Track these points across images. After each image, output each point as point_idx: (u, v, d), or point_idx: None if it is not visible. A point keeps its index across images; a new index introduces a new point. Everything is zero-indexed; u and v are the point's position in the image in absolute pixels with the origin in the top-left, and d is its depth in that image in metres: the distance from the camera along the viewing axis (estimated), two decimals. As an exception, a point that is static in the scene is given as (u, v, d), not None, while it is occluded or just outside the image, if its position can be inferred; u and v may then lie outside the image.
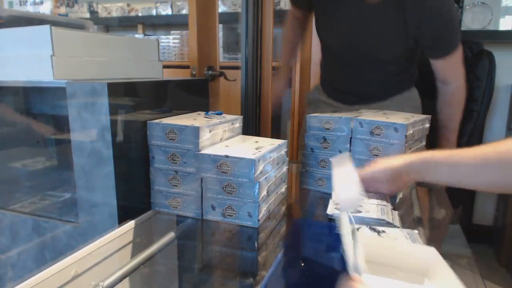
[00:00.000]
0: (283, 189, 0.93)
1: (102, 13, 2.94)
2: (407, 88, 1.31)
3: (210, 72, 1.58)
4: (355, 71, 1.27)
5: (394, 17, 1.13)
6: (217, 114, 0.93)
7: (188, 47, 1.54)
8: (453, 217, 0.94)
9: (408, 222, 0.80)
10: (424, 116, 0.99)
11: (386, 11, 1.13)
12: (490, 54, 1.59)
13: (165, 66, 1.14)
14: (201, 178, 0.79)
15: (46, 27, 0.79)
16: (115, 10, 2.89)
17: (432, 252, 0.55)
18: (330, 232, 0.74)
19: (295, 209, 0.97)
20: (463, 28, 1.98)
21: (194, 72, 1.49)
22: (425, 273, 0.56)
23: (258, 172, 0.75)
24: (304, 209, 0.97)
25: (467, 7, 1.95)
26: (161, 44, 2.60)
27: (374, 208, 0.79)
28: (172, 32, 2.63)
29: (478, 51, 1.59)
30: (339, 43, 1.26)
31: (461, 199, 1.37)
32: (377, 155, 0.89)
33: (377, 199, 0.81)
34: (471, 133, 1.64)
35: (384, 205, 0.80)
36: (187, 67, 1.43)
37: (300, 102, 1.92)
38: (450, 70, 1.21)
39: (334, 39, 1.28)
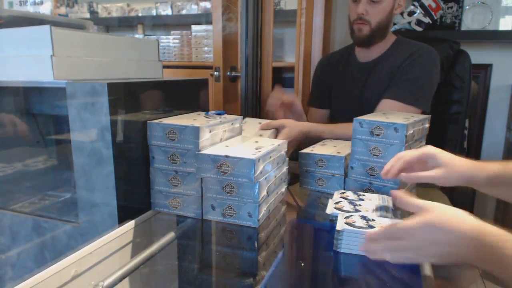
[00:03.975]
0: (283, 189, 0.93)
1: (102, 13, 2.94)
2: None
3: (233, 73, 1.57)
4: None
5: (386, 70, 1.28)
6: (218, 114, 0.93)
7: (213, 47, 1.51)
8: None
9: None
10: (424, 116, 0.99)
11: (380, 67, 1.30)
12: (467, 54, 1.53)
13: (165, 66, 1.14)
14: (201, 178, 0.79)
15: (46, 27, 0.79)
16: (115, 10, 2.90)
17: None
18: (329, 232, 0.74)
19: (295, 209, 0.97)
20: (463, 28, 1.98)
21: (217, 73, 1.48)
22: None
23: (258, 172, 0.75)
24: (304, 209, 0.97)
25: (467, 7, 1.95)
26: (161, 44, 2.60)
27: (373, 207, 0.79)
28: (172, 32, 2.63)
29: (458, 50, 1.53)
30: (350, 105, 1.37)
31: (461, 199, 1.37)
32: (377, 155, 0.89)
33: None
34: (460, 137, 1.58)
35: (385, 205, 0.81)
36: (190, 67, 1.42)
37: (303, 102, 1.92)
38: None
39: (347, 102, 1.39)
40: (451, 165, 0.67)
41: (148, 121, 0.82)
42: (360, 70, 1.35)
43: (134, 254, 0.72)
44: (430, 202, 0.55)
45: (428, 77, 1.23)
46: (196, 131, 0.78)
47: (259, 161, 0.74)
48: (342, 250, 0.67)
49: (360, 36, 1.26)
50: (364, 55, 1.35)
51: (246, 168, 0.73)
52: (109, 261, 0.71)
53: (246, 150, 0.78)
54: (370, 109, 1.21)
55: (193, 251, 0.77)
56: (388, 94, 1.21)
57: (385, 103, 1.21)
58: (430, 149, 0.70)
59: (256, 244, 0.75)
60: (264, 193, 0.79)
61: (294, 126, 1.11)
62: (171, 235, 0.76)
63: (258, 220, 0.77)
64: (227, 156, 0.75)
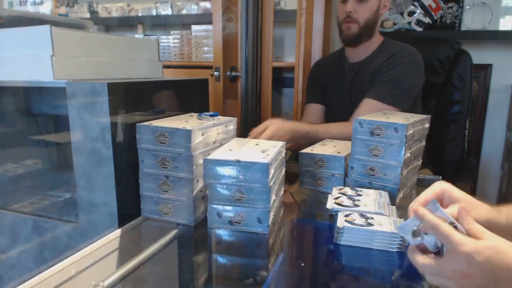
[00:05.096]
0: (281, 191, 0.92)
1: (102, 13, 2.93)
2: None
3: (233, 73, 1.57)
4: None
5: (370, 71, 1.31)
6: (212, 115, 0.89)
7: (213, 47, 1.51)
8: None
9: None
10: (424, 116, 0.99)
11: (366, 68, 1.32)
12: (468, 54, 1.53)
13: (165, 66, 1.14)
14: (207, 185, 0.75)
15: (46, 27, 0.79)
16: (115, 10, 2.89)
17: None
18: (330, 232, 0.75)
19: (296, 210, 0.97)
20: (463, 28, 1.98)
21: (217, 74, 1.47)
22: None
23: (271, 176, 0.72)
24: (304, 210, 0.97)
25: (467, 7, 1.95)
26: (161, 44, 2.60)
27: (371, 202, 0.81)
28: (172, 32, 2.62)
29: (458, 50, 1.53)
30: (342, 102, 1.39)
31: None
32: (377, 156, 0.89)
33: None
34: (461, 137, 1.58)
35: (382, 200, 0.82)
36: (190, 67, 1.42)
37: (303, 101, 1.92)
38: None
39: (338, 101, 1.41)
40: (469, 203, 0.56)
41: (137, 123, 0.78)
42: (349, 70, 1.39)
43: (134, 254, 0.72)
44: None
45: (408, 78, 1.26)
46: (187, 134, 0.74)
47: (271, 164, 0.72)
48: (342, 243, 0.70)
49: (349, 34, 1.29)
50: (353, 55, 1.38)
51: (260, 173, 0.70)
52: (109, 261, 0.71)
53: (253, 154, 0.75)
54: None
55: (193, 252, 0.77)
56: (369, 94, 1.25)
57: (366, 103, 1.25)
58: (441, 185, 0.59)
59: (265, 250, 0.74)
60: (273, 197, 0.77)
61: (281, 124, 1.11)
62: (171, 235, 0.76)
63: (268, 226, 0.74)
64: (238, 161, 0.71)
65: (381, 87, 1.25)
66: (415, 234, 0.51)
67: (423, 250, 0.50)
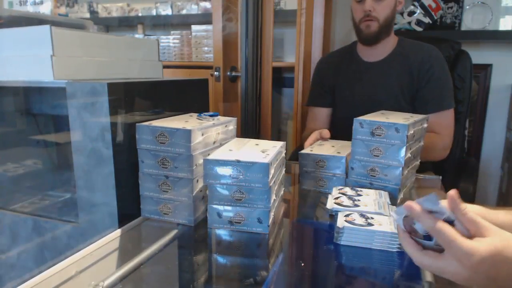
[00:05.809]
0: (281, 191, 0.92)
1: (102, 13, 2.93)
2: None
3: (233, 73, 1.57)
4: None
5: (398, 70, 1.31)
6: (211, 115, 0.89)
7: (213, 47, 1.52)
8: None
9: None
10: (423, 116, 0.99)
11: (391, 67, 1.33)
12: (468, 54, 1.55)
13: (165, 66, 1.14)
14: (207, 185, 0.75)
15: (46, 27, 0.79)
16: (115, 10, 2.89)
17: None
18: (330, 232, 0.75)
19: (295, 210, 0.97)
20: (463, 28, 1.98)
21: (217, 74, 1.48)
22: None
23: (271, 176, 0.72)
24: (304, 210, 0.97)
25: (467, 7, 1.95)
26: (161, 44, 2.60)
27: (371, 202, 0.81)
28: (172, 32, 2.62)
29: (459, 50, 1.55)
30: (359, 103, 1.36)
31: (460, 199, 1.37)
32: (377, 156, 0.89)
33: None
34: (461, 137, 1.57)
35: (382, 200, 0.82)
36: (190, 67, 1.42)
37: (303, 101, 1.92)
38: (443, 125, 1.29)
39: (353, 105, 1.38)
40: (483, 213, 0.53)
41: (136, 123, 0.78)
42: (368, 70, 1.36)
43: (134, 254, 0.72)
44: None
45: (449, 75, 1.33)
46: (187, 134, 0.74)
47: (271, 164, 0.72)
48: (342, 243, 0.70)
49: (370, 33, 1.28)
50: (369, 54, 1.36)
51: (260, 173, 0.71)
52: (109, 261, 0.71)
53: (253, 154, 0.75)
54: (383, 109, 1.21)
55: (192, 254, 0.77)
56: (437, 106, 1.28)
57: (445, 115, 1.29)
58: None
59: (265, 250, 0.74)
60: (273, 197, 0.77)
61: None
62: (171, 235, 0.76)
63: (268, 226, 0.75)
64: (238, 161, 0.71)
65: (441, 96, 1.28)
66: (406, 220, 0.52)
67: (413, 232, 0.52)
